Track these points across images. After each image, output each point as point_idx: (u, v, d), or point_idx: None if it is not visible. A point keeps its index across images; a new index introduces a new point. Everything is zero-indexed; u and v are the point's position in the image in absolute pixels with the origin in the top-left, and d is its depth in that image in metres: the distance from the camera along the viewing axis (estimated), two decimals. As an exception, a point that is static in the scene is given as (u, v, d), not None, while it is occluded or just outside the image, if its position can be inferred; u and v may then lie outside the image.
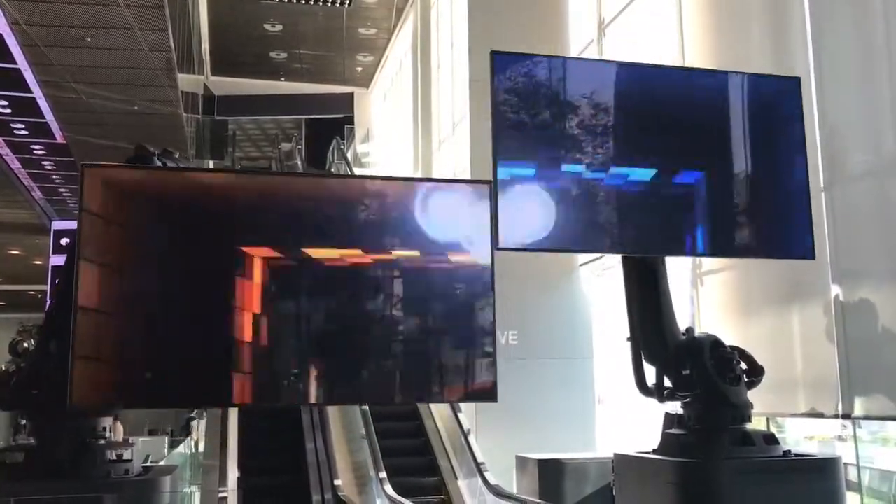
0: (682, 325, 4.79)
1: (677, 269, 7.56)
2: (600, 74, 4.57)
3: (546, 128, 4.29)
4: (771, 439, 4.52)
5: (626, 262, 4.77)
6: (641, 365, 4.73)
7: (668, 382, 4.65)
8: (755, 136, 4.72)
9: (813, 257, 4.73)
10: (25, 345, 3.94)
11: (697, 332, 4.90)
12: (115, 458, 3.81)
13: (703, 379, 4.46)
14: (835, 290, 5.27)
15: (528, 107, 4.24)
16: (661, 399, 4.69)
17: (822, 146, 5.41)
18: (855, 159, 5.26)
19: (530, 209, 4.31)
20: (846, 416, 5.23)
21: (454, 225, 4.17)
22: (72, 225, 17.84)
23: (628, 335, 4.78)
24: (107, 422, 3.95)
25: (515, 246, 4.34)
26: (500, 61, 4.22)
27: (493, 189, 4.16)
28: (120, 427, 14.97)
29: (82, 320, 3.49)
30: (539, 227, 4.32)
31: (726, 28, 6.78)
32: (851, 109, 5.35)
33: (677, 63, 7.31)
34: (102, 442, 3.85)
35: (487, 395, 4.12)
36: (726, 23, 6.78)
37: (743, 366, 4.63)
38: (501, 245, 4.23)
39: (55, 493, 3.53)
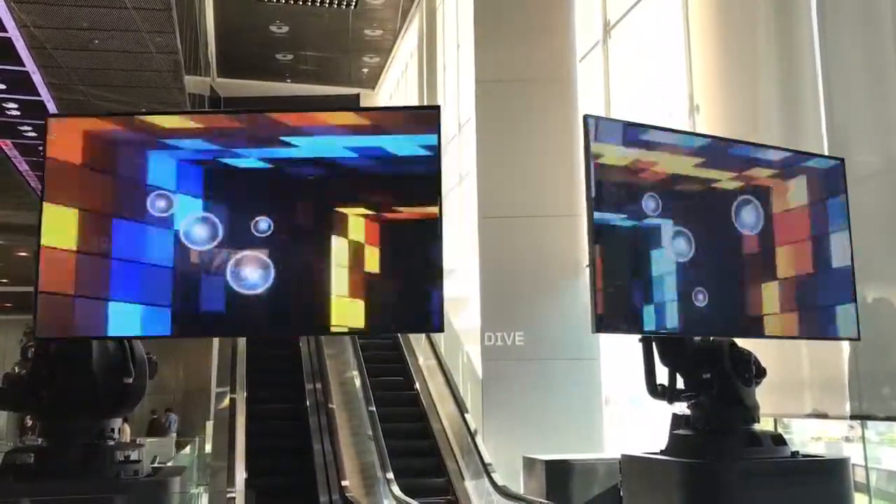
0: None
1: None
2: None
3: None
4: (779, 440, 4.52)
5: None
6: (653, 367, 4.71)
7: (678, 384, 4.64)
8: (797, 216, 4.71)
9: (859, 338, 4.71)
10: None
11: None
12: (124, 459, 3.82)
13: (721, 380, 4.45)
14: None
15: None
16: (672, 401, 4.68)
17: (830, 147, 5.40)
18: (863, 160, 5.25)
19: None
20: (856, 417, 5.22)
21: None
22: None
23: (640, 337, 4.76)
24: (116, 423, 3.96)
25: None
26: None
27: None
28: (127, 428, 15.03)
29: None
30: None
31: (733, 28, 6.77)
32: (859, 110, 5.34)
33: (682, 64, 7.31)
34: (112, 443, 3.87)
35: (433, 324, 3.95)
36: (733, 21, 6.77)
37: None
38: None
39: (66, 494, 3.55)
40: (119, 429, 4.01)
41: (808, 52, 5.68)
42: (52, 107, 11.26)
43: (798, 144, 5.77)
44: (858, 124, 5.35)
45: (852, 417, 5.26)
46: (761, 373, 4.64)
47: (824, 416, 5.45)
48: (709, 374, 4.50)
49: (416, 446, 8.56)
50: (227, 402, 7.86)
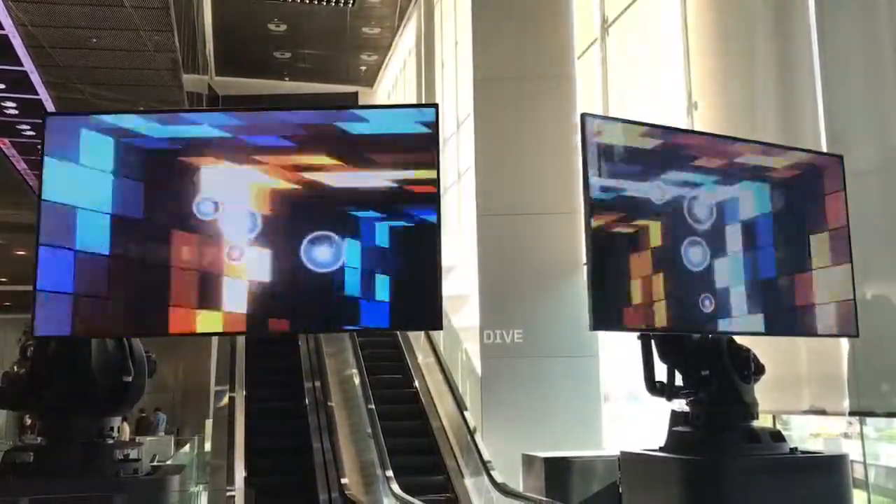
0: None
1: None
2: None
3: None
4: (777, 436, 4.52)
5: None
6: (652, 363, 4.72)
7: (677, 381, 4.64)
8: (796, 213, 4.68)
9: (857, 334, 4.67)
10: None
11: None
12: (123, 457, 3.82)
13: (721, 377, 4.46)
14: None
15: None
16: (670, 398, 4.69)
17: (829, 143, 5.41)
18: (862, 156, 5.25)
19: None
20: (855, 414, 5.23)
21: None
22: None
23: (639, 334, 4.78)
24: (115, 422, 3.97)
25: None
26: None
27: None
28: (126, 427, 15.02)
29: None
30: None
31: (731, 25, 6.77)
32: (858, 105, 5.34)
33: (680, 61, 7.31)
34: (111, 441, 3.87)
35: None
36: (731, 18, 6.77)
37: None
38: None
39: (66, 493, 3.55)
40: (118, 427, 4.01)
41: (806, 49, 5.68)
42: (50, 106, 11.24)
43: (795, 140, 5.77)
44: (856, 120, 5.35)
45: (851, 414, 5.26)
46: (760, 370, 4.65)
47: (822, 412, 5.46)
48: (707, 372, 4.50)
49: (415, 444, 8.57)
50: (226, 400, 7.86)
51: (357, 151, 3.93)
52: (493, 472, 7.18)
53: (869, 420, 5.43)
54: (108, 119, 3.86)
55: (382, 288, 3.87)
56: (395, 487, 6.78)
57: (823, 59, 5.51)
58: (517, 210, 9.31)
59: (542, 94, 9.49)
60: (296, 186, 3.89)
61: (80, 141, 3.80)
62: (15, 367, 4.01)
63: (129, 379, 3.89)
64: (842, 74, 5.43)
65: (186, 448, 15.62)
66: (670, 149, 4.45)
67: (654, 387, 4.72)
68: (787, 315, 4.65)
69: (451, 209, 12.30)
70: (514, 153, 9.47)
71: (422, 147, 3.92)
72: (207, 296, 3.77)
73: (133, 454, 3.86)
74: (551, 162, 9.33)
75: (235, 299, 3.78)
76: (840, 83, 5.42)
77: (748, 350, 4.59)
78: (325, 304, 3.85)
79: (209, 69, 19.68)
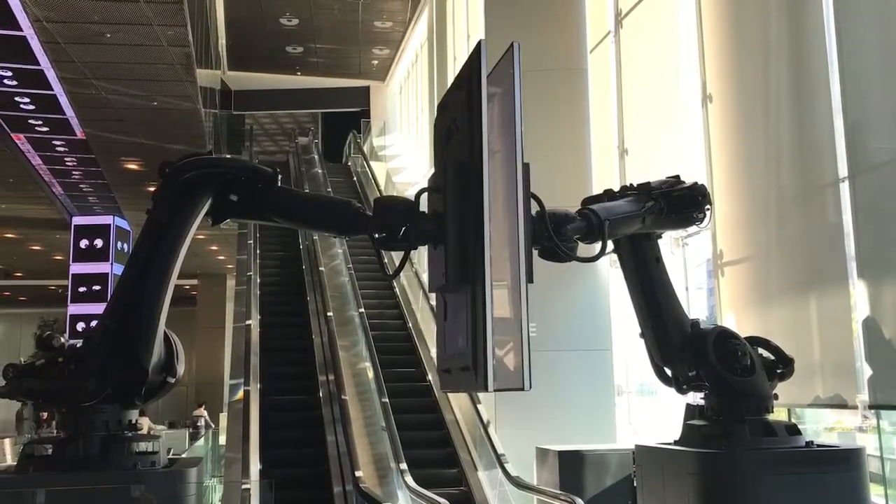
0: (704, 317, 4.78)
1: (698, 259, 7.53)
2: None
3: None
4: (793, 430, 4.51)
5: (620, 260, 4.83)
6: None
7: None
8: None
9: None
10: (63, 339, 3.96)
11: (719, 322, 4.88)
12: (141, 450, 3.85)
13: (709, 373, 4.45)
14: (858, 279, 5.24)
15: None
16: (681, 390, 4.69)
17: (846, 135, 5.36)
18: (878, 148, 5.21)
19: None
20: (872, 407, 5.20)
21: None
22: (92, 220, 17.67)
23: (640, 331, 4.81)
24: (133, 414, 3.99)
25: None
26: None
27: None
28: (145, 420, 15.15)
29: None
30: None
31: (745, 16, 6.72)
32: (874, 98, 5.29)
33: (695, 53, 7.27)
34: (129, 434, 3.90)
35: None
36: (746, 10, 6.72)
37: (770, 356, 4.62)
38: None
39: (84, 485, 3.58)
40: (136, 420, 4.03)
41: (823, 39, 5.63)
42: (64, 101, 11.29)
43: (810, 131, 5.74)
44: (874, 111, 5.30)
45: (870, 407, 5.23)
46: (787, 362, 4.61)
47: (843, 406, 5.43)
48: (693, 369, 4.50)
49: (428, 437, 8.58)
50: (240, 393, 7.89)
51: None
52: (506, 466, 7.18)
53: (884, 413, 5.40)
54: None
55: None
56: (410, 480, 6.79)
57: (840, 47, 5.46)
58: (530, 203, 9.27)
59: (554, 87, 9.44)
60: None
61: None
62: (22, 360, 4.03)
63: (173, 381, 3.98)
64: (858, 65, 5.38)
65: (201, 441, 15.73)
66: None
67: (665, 377, 4.74)
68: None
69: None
70: (526, 146, 9.42)
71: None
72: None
73: (151, 447, 3.90)
74: (564, 155, 9.28)
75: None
76: (856, 74, 5.37)
77: (739, 345, 4.50)
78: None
79: (222, 64, 19.72)
